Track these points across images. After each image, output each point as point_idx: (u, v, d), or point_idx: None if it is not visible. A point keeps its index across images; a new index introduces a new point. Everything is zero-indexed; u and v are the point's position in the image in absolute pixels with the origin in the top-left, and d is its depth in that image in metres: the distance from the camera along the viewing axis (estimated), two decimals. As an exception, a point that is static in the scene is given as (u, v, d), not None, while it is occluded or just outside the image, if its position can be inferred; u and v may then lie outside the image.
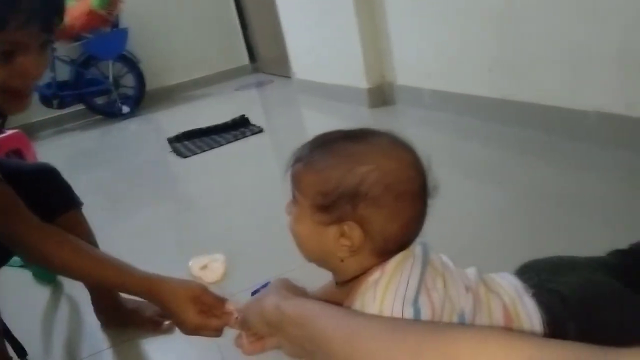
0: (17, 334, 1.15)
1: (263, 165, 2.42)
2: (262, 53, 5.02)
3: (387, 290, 0.63)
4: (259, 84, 4.59)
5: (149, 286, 0.83)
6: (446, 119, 2.22)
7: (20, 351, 1.17)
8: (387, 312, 0.61)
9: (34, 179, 0.91)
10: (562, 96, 1.73)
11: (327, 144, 0.70)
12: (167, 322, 1.22)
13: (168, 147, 2.90)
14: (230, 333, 0.78)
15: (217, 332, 0.80)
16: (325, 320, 0.58)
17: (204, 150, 2.69)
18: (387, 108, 2.69)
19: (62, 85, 4.14)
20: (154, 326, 1.22)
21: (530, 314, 0.68)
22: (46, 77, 4.05)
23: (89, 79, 4.23)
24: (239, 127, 2.95)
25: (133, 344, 1.20)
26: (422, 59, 2.39)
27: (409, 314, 0.61)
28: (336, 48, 2.92)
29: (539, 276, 0.75)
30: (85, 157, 3.51)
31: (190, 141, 2.90)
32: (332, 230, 0.66)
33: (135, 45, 4.38)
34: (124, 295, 1.28)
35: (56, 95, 4.10)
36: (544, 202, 1.40)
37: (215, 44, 5.06)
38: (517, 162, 1.72)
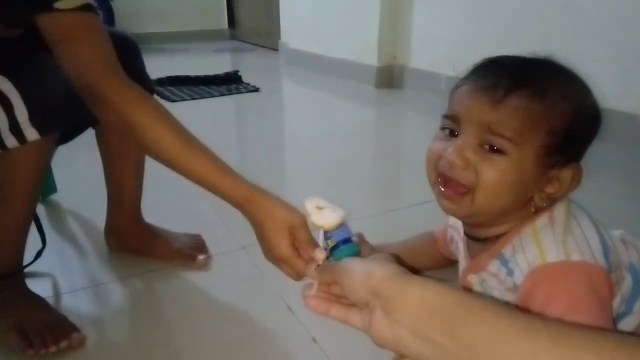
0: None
1: (260, 122, 2.24)
2: (243, 19, 4.79)
3: (566, 230, 0.57)
4: (238, 50, 4.37)
5: (249, 197, 0.67)
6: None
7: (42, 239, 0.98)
8: (575, 254, 0.54)
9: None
10: (609, 97, 1.70)
11: (536, 66, 0.60)
12: (201, 257, 1.04)
13: (147, 90, 2.65)
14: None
15: (298, 276, 0.65)
16: (478, 317, 0.39)
17: (194, 98, 2.46)
18: (396, 90, 2.60)
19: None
20: (186, 259, 1.03)
21: None
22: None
23: (53, 6, 3.80)
24: (232, 82, 2.75)
25: (159, 275, 1.00)
26: (446, 42, 2.32)
27: (599, 256, 0.55)
28: (346, 19, 2.79)
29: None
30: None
31: (176, 87, 2.66)
32: (550, 175, 0.57)
33: (110, -20, 4.01)
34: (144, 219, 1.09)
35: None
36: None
37: (194, 0, 4.78)
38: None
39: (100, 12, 3.78)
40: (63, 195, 1.33)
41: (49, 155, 0.79)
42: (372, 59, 2.62)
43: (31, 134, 0.72)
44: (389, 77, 2.63)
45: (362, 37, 2.67)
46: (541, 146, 0.55)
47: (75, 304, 0.92)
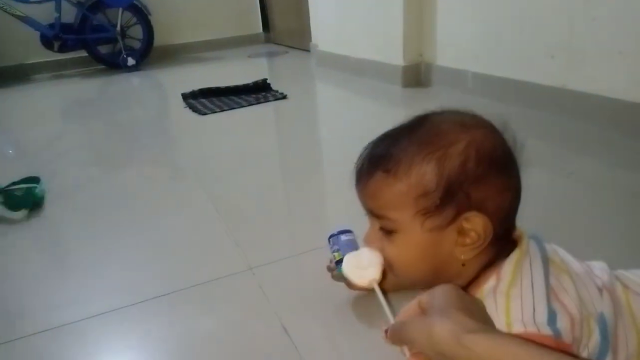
0: None
1: (288, 131, 2.27)
2: (277, 22, 4.84)
3: (509, 298, 0.53)
4: (272, 54, 4.42)
5: None
6: (491, 105, 2.10)
7: None
8: (517, 325, 0.51)
9: None
10: (635, 90, 1.61)
11: (393, 141, 0.59)
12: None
13: (181, 104, 2.74)
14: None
15: None
16: None
17: (224, 110, 2.52)
18: (423, 89, 2.56)
19: (65, 28, 3.89)
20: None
21: None
22: (50, 17, 3.81)
23: (95, 25, 3.99)
24: (261, 90, 2.79)
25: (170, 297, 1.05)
26: (471, 37, 2.26)
27: (542, 323, 0.51)
28: (371, 19, 2.77)
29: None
30: (81, 107, 3.29)
31: (207, 99, 2.74)
32: (451, 232, 0.56)
33: (148, -4, 4.16)
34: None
35: (58, 37, 3.86)
36: (596, 196, 1.30)
37: (228, 8, 4.88)
38: (572, 158, 1.61)
39: (139, 25, 3.91)
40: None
41: None
42: (398, 59, 2.59)
43: None
44: (416, 76, 2.59)
45: (387, 37, 2.65)
46: (418, 212, 0.55)
47: (85, 332, 0.98)
